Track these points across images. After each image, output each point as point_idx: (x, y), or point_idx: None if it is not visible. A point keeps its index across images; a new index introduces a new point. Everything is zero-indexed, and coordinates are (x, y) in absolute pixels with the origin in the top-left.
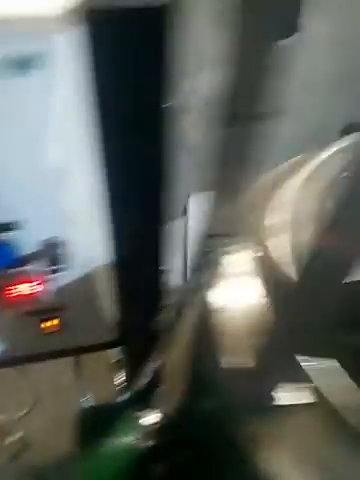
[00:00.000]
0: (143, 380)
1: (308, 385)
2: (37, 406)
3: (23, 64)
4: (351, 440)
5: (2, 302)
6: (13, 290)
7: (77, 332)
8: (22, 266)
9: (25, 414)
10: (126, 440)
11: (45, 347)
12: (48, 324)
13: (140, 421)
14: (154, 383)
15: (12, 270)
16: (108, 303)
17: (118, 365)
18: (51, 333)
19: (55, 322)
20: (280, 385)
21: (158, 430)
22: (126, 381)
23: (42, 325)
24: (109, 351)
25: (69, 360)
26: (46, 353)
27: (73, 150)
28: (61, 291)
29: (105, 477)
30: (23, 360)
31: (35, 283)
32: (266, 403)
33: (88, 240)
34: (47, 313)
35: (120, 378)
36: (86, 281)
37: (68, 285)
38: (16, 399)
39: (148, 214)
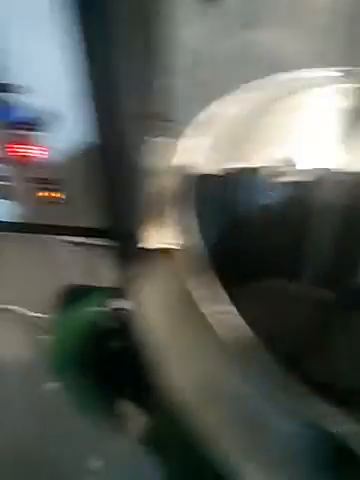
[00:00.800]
0: (121, 270)
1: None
2: None
3: None
4: None
5: (6, 158)
6: (17, 149)
7: (76, 212)
8: (26, 130)
9: None
10: (93, 316)
11: (45, 219)
12: (51, 195)
13: (110, 304)
14: (129, 275)
15: (16, 130)
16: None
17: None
18: (53, 206)
19: (57, 194)
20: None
21: (122, 315)
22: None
23: (43, 194)
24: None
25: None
26: (45, 225)
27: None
28: (60, 163)
29: (69, 342)
30: (26, 228)
31: (38, 148)
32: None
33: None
34: (49, 184)
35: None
36: (81, 158)
37: (65, 158)
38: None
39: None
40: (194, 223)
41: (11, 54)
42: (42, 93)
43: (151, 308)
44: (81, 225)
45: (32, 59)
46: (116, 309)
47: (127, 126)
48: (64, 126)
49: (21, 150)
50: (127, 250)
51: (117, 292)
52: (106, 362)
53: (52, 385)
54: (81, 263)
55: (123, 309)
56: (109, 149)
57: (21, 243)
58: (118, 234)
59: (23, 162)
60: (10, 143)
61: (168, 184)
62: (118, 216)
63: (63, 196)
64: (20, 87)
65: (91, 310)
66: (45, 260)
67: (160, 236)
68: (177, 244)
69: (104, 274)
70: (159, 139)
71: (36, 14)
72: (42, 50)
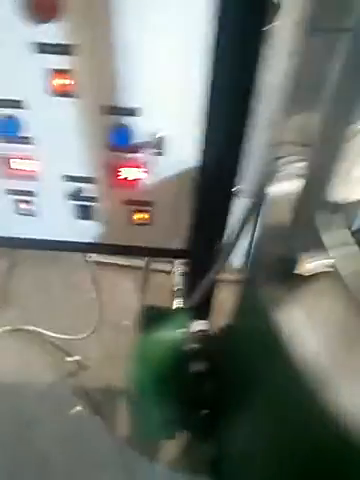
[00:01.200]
0: (199, 293)
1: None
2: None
3: None
4: None
5: (111, 183)
6: (122, 173)
7: (161, 232)
8: (133, 152)
9: (87, 336)
10: (176, 338)
11: (132, 240)
12: (140, 216)
13: (190, 326)
14: (208, 297)
15: (126, 153)
16: (187, 210)
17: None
18: (139, 227)
19: (146, 216)
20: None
21: (203, 337)
22: (184, 291)
23: (135, 216)
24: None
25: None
26: (131, 247)
27: (189, 54)
28: (156, 185)
29: (152, 363)
30: (109, 249)
31: (140, 170)
32: (289, 269)
33: (188, 140)
34: (141, 205)
35: (179, 288)
36: (178, 182)
37: (162, 181)
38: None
39: (238, 129)
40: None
41: (129, 77)
42: (154, 116)
43: (309, 332)
44: (170, 247)
45: (147, 82)
46: (197, 331)
47: (242, 150)
48: (170, 149)
49: (125, 173)
50: (206, 272)
51: (194, 314)
52: (187, 385)
53: (78, 409)
54: (106, 283)
55: (203, 331)
56: (219, 173)
57: (41, 262)
58: (206, 256)
59: (124, 184)
60: (116, 166)
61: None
62: (210, 238)
63: (154, 219)
64: (133, 110)
65: (174, 332)
66: (68, 280)
67: (315, 261)
68: (341, 268)
69: (130, 294)
70: (295, 165)
71: (159, 40)
72: (157, 73)
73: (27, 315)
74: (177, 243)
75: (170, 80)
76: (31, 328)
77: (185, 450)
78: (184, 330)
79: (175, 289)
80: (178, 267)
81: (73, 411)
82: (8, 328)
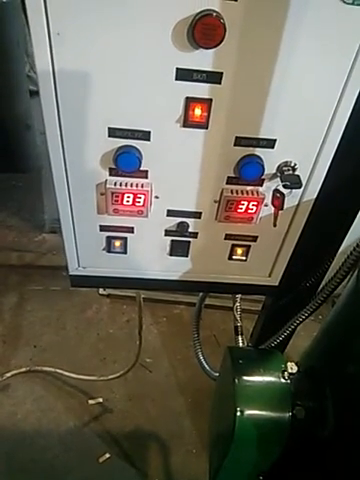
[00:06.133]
0: (286, 332)
1: None
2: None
3: None
4: None
5: (223, 217)
6: (241, 206)
7: (256, 268)
8: (259, 185)
9: (113, 379)
10: (279, 383)
11: (225, 277)
12: (239, 251)
13: (288, 368)
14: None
15: (252, 186)
16: (290, 246)
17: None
18: (235, 263)
19: (245, 251)
20: None
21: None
22: (271, 330)
23: (235, 251)
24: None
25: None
26: (224, 284)
27: (329, 85)
28: (265, 219)
29: (261, 404)
30: (201, 287)
31: (256, 204)
32: None
33: (313, 172)
34: (244, 240)
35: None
36: (288, 215)
37: (267, 216)
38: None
39: None
40: None
41: (269, 108)
42: (287, 148)
43: None
44: (262, 284)
45: (286, 114)
46: (293, 373)
47: None
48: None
49: (245, 206)
50: (293, 311)
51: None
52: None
53: (107, 456)
54: (122, 317)
55: (294, 373)
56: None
57: (51, 296)
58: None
59: (238, 219)
60: (238, 199)
61: None
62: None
63: (251, 254)
64: (270, 141)
65: (274, 375)
66: (82, 315)
67: None
68: None
69: (149, 329)
70: None
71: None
72: (298, 105)
73: (42, 354)
74: (270, 280)
75: (308, 113)
76: (48, 369)
77: None
78: (284, 373)
79: (238, 325)
80: (239, 303)
81: (102, 459)
82: (23, 370)
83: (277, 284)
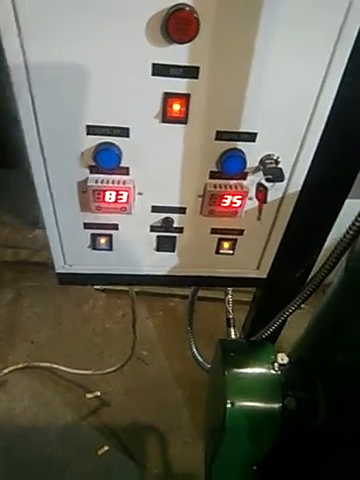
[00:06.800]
0: (276, 324)
1: None
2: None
3: None
4: None
5: (208, 211)
6: (226, 201)
7: (244, 261)
8: (242, 179)
9: (109, 372)
10: (269, 374)
11: (214, 271)
12: (225, 245)
13: (278, 359)
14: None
15: (234, 180)
16: (277, 239)
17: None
18: (222, 257)
19: (232, 245)
20: None
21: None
22: (263, 321)
23: (221, 245)
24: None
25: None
26: (212, 278)
27: (313, 83)
28: (251, 212)
29: (251, 395)
30: (190, 281)
31: (241, 197)
32: None
33: (296, 164)
34: (230, 233)
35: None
36: (274, 207)
37: (253, 209)
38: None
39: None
40: None
41: (249, 101)
42: (269, 141)
43: None
44: (251, 276)
45: (267, 107)
46: (283, 364)
47: None
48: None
49: (229, 200)
50: (283, 303)
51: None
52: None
53: (106, 449)
54: (118, 312)
55: (285, 364)
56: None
57: (47, 292)
58: (288, 286)
59: (222, 213)
60: (220, 194)
61: None
62: (298, 267)
63: (238, 247)
64: (251, 134)
65: (265, 367)
66: (78, 310)
67: None
68: None
69: (145, 323)
70: None
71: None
72: (278, 98)
73: (39, 350)
74: (258, 272)
75: (288, 106)
76: (46, 364)
77: None
78: (274, 364)
79: (230, 317)
80: (230, 295)
81: (101, 452)
82: (20, 366)
83: (265, 276)
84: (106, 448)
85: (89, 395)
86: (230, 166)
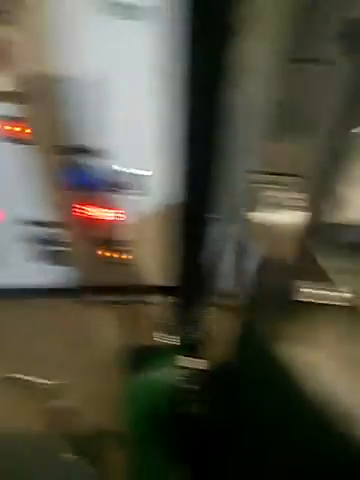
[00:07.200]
0: (190, 328)
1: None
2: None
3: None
4: None
5: (69, 219)
6: (82, 210)
7: (138, 270)
8: (100, 191)
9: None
10: (168, 378)
11: (107, 279)
12: (116, 255)
13: (183, 364)
14: (200, 332)
15: (86, 192)
16: (171, 246)
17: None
18: (115, 266)
19: (121, 255)
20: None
21: (198, 375)
22: (174, 327)
23: (107, 255)
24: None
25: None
26: (107, 287)
27: (162, 98)
28: (133, 225)
29: (145, 408)
30: (84, 291)
31: (108, 210)
32: (287, 300)
33: (163, 179)
34: (115, 244)
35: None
36: (156, 219)
37: (140, 220)
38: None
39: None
40: None
41: (95, 118)
42: (121, 156)
43: (325, 360)
44: (146, 284)
45: (117, 124)
46: (185, 367)
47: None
48: (139, 187)
49: (90, 212)
50: (193, 307)
51: (188, 349)
52: (181, 424)
53: (67, 456)
54: (84, 323)
55: (195, 368)
56: (197, 208)
57: (7, 306)
58: (188, 291)
59: (89, 224)
60: (80, 204)
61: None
62: (191, 273)
63: (126, 256)
64: (98, 150)
65: (165, 372)
66: (51, 324)
67: (314, 291)
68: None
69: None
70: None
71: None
72: (127, 113)
73: (6, 362)
74: (159, 279)
75: (130, 123)
76: (10, 375)
77: None
78: (176, 369)
79: (157, 323)
80: (161, 300)
81: (67, 460)
82: None
83: (169, 285)
84: (68, 455)
85: (53, 404)
86: (73, 179)
